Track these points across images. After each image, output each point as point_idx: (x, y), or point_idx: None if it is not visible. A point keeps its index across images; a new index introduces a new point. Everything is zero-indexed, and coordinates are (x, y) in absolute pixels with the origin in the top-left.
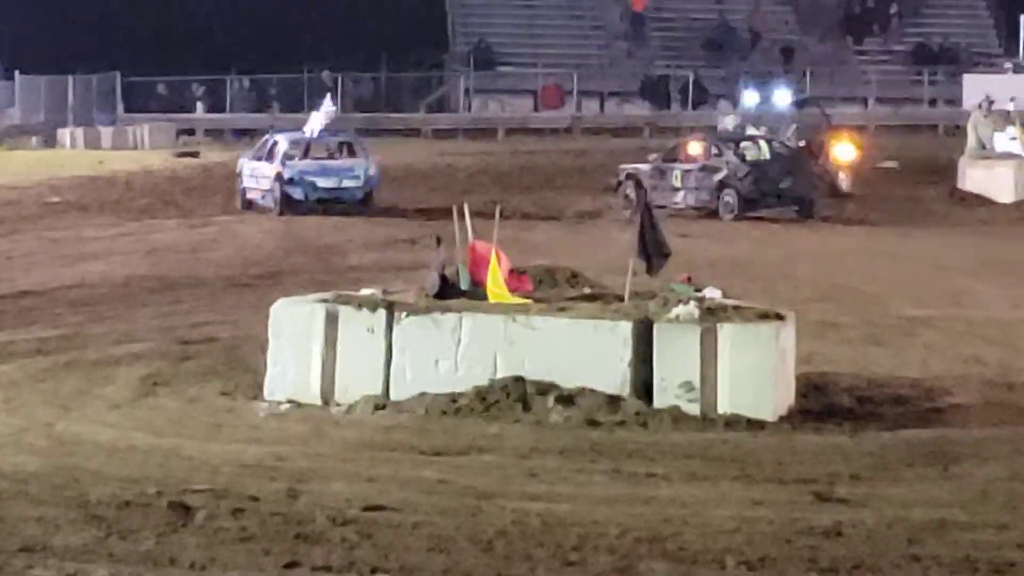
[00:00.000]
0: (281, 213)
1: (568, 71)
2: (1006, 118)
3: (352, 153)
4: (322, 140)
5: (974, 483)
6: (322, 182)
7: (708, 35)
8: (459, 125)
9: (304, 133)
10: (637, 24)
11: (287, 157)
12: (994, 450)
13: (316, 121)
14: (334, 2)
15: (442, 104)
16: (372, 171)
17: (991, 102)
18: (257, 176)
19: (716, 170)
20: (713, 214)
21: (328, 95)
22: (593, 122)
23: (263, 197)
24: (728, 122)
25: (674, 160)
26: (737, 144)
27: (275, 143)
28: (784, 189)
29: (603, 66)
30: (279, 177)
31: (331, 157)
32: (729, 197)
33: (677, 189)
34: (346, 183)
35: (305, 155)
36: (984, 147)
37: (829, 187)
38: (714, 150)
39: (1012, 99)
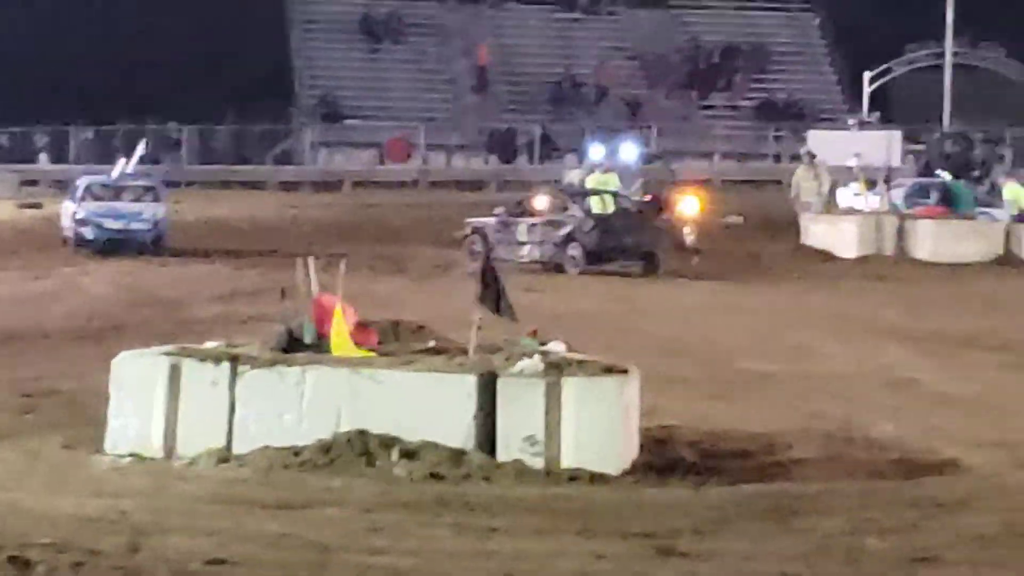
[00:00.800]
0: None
1: (414, 124)
2: (827, 172)
3: (156, 198)
4: (119, 183)
5: (815, 537)
6: (109, 223)
7: (554, 89)
8: (305, 177)
9: (109, 176)
10: (483, 78)
11: (82, 199)
12: (835, 504)
13: (120, 165)
14: (181, 53)
15: (288, 156)
16: (161, 215)
17: (812, 156)
18: (66, 216)
19: (562, 224)
20: (559, 268)
21: (142, 141)
22: (439, 175)
23: (71, 235)
24: (573, 176)
25: (520, 214)
26: (583, 198)
27: (79, 186)
28: (629, 243)
29: (450, 120)
30: (73, 217)
31: (137, 200)
32: (574, 251)
33: (523, 243)
34: (134, 225)
35: (117, 198)
36: (810, 202)
37: (674, 242)
38: (562, 204)
39: (856, 155)
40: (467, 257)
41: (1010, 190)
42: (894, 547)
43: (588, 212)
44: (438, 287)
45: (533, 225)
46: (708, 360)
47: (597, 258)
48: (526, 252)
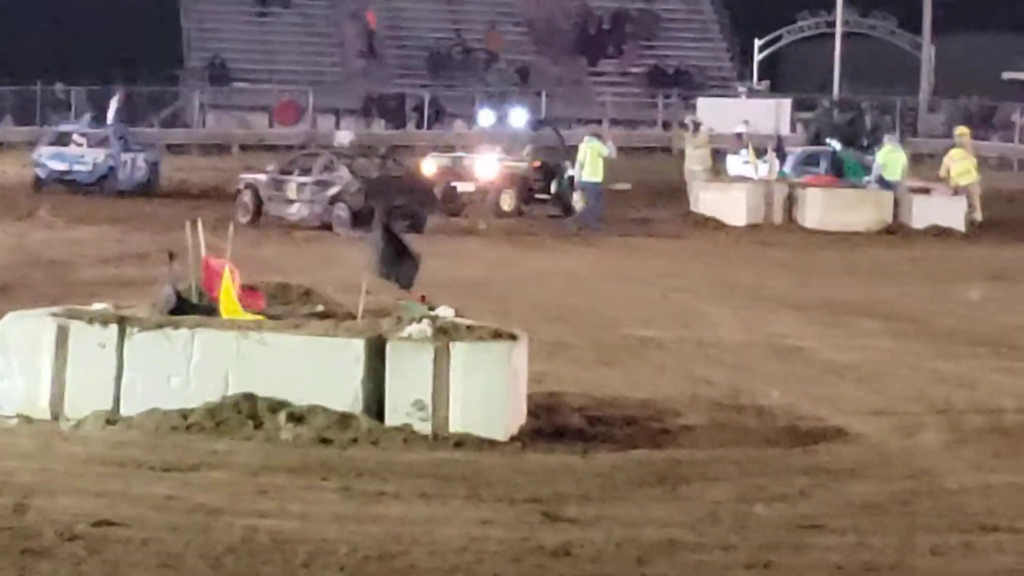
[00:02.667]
0: (36, 190)
1: (303, 88)
2: (709, 139)
3: (106, 146)
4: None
5: (703, 504)
6: (54, 164)
7: (444, 55)
8: (193, 140)
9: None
10: (372, 42)
11: (41, 145)
12: (722, 471)
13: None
14: (68, 15)
15: (176, 119)
16: (101, 160)
17: (697, 124)
18: None
19: (330, 184)
20: (328, 227)
21: (120, 91)
22: (328, 139)
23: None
24: (343, 137)
25: (291, 172)
26: (352, 160)
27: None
28: (397, 205)
29: (338, 84)
30: (34, 159)
31: (81, 147)
32: (341, 211)
33: (292, 201)
34: (76, 167)
35: (65, 144)
36: (695, 170)
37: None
38: (339, 163)
39: (745, 122)
40: (239, 211)
41: (883, 154)
42: (782, 514)
43: (355, 173)
44: (325, 251)
45: (303, 184)
46: (596, 326)
47: (364, 219)
48: (295, 210)
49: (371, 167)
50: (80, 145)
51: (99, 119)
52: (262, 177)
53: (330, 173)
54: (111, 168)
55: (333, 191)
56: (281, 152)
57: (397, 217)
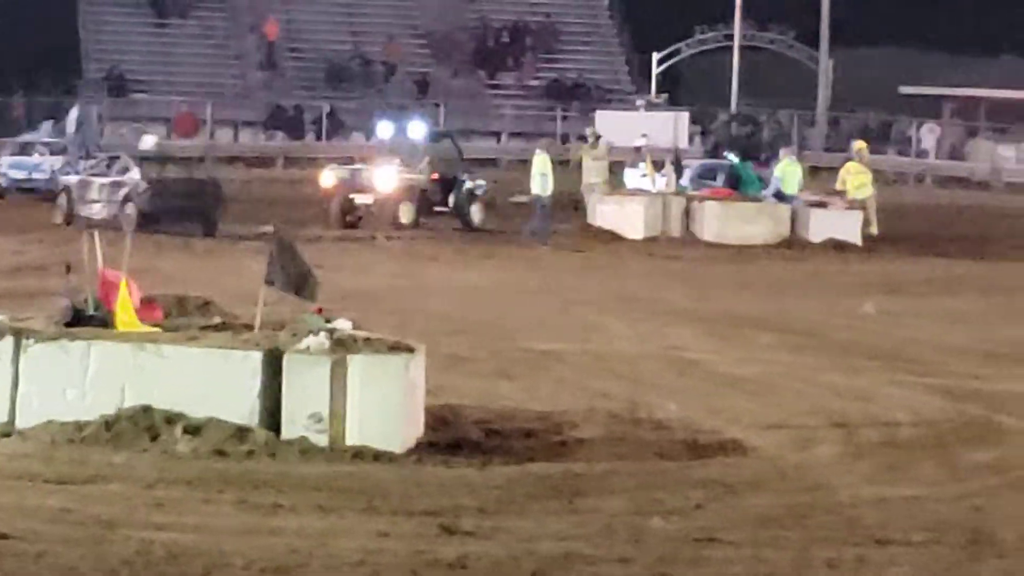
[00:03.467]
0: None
1: (202, 99)
2: (608, 152)
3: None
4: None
5: (599, 517)
6: (13, 173)
7: (342, 66)
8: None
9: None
10: (272, 53)
11: (3, 153)
12: (619, 484)
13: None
14: None
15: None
16: (59, 168)
17: (597, 136)
18: None
19: (122, 185)
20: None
21: (75, 106)
22: (227, 151)
23: None
24: (147, 142)
25: (97, 175)
26: (143, 162)
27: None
28: (184, 207)
29: (238, 95)
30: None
31: (41, 156)
32: (130, 211)
33: (95, 201)
34: (35, 175)
35: (26, 154)
36: (594, 183)
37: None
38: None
39: (643, 136)
40: (55, 211)
41: (781, 167)
42: (678, 527)
43: (145, 176)
44: (224, 263)
45: (103, 185)
46: (494, 339)
47: (152, 219)
48: (97, 210)
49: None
50: (42, 155)
51: (59, 128)
52: (74, 179)
53: (122, 175)
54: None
55: (124, 192)
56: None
57: (187, 219)
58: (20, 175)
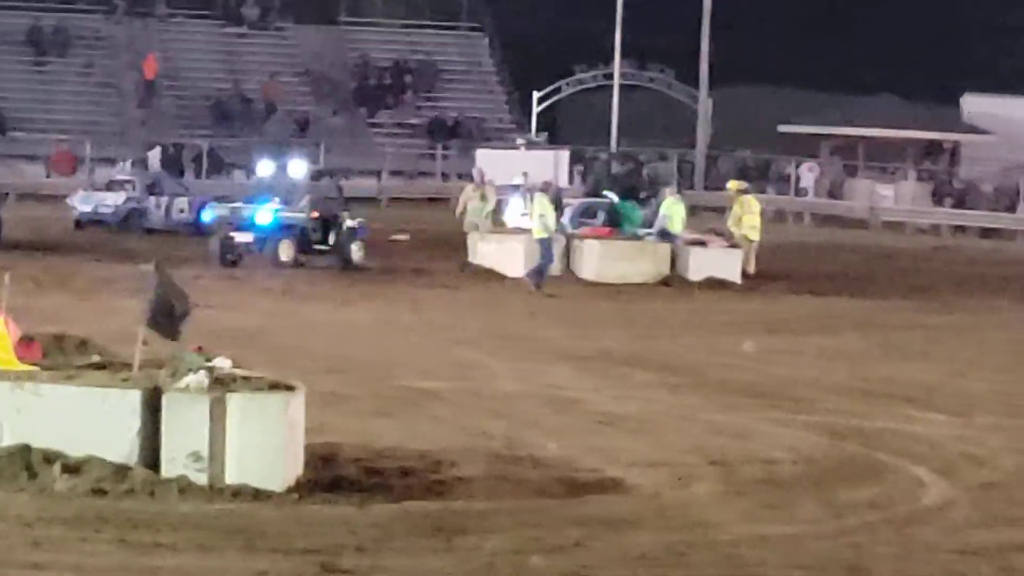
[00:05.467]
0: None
1: (81, 137)
2: (495, 191)
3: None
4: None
5: (478, 555)
6: (83, 207)
7: (223, 104)
8: None
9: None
10: (151, 91)
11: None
12: (499, 522)
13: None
14: None
15: None
16: (121, 203)
17: (483, 175)
18: None
19: None
20: None
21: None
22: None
23: None
24: None
25: None
26: None
27: None
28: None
29: (116, 133)
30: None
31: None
32: None
33: None
34: (100, 209)
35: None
36: (476, 221)
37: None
38: None
39: (524, 174)
40: None
41: (667, 205)
42: (558, 565)
43: None
44: (103, 302)
45: None
46: (374, 377)
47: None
48: None
49: None
50: (112, 191)
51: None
52: None
53: None
54: (133, 209)
55: None
56: (59, 201)
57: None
58: (86, 208)
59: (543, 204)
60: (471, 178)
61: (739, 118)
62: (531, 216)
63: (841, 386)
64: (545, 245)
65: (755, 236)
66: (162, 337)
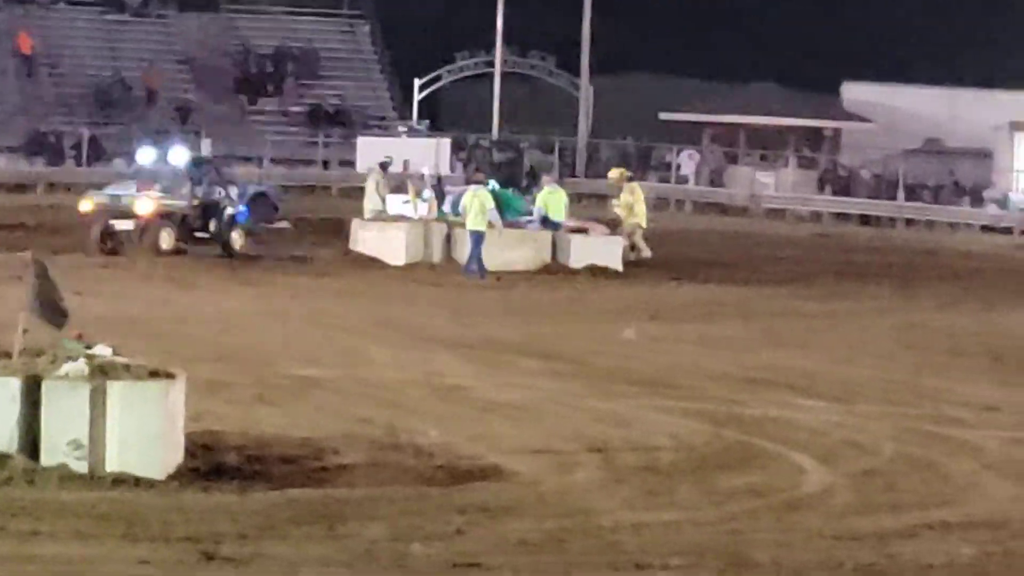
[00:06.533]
0: None
1: None
2: (399, 181)
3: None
4: None
5: (360, 542)
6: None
7: (103, 91)
8: None
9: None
10: (30, 77)
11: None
12: (380, 510)
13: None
14: None
15: None
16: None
17: (384, 165)
18: None
19: None
20: None
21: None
22: None
23: None
24: None
25: None
26: None
27: None
28: None
29: None
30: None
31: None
32: None
33: None
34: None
35: None
36: (383, 208)
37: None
38: None
39: (405, 161)
40: None
41: (543, 195)
42: (439, 553)
43: None
44: None
45: None
46: (256, 365)
47: None
48: None
49: None
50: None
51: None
52: None
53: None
54: None
55: None
56: None
57: None
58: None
59: (484, 198)
60: (353, 165)
61: (620, 106)
62: (412, 205)
63: (722, 373)
64: (475, 238)
65: (644, 223)
66: (48, 326)
